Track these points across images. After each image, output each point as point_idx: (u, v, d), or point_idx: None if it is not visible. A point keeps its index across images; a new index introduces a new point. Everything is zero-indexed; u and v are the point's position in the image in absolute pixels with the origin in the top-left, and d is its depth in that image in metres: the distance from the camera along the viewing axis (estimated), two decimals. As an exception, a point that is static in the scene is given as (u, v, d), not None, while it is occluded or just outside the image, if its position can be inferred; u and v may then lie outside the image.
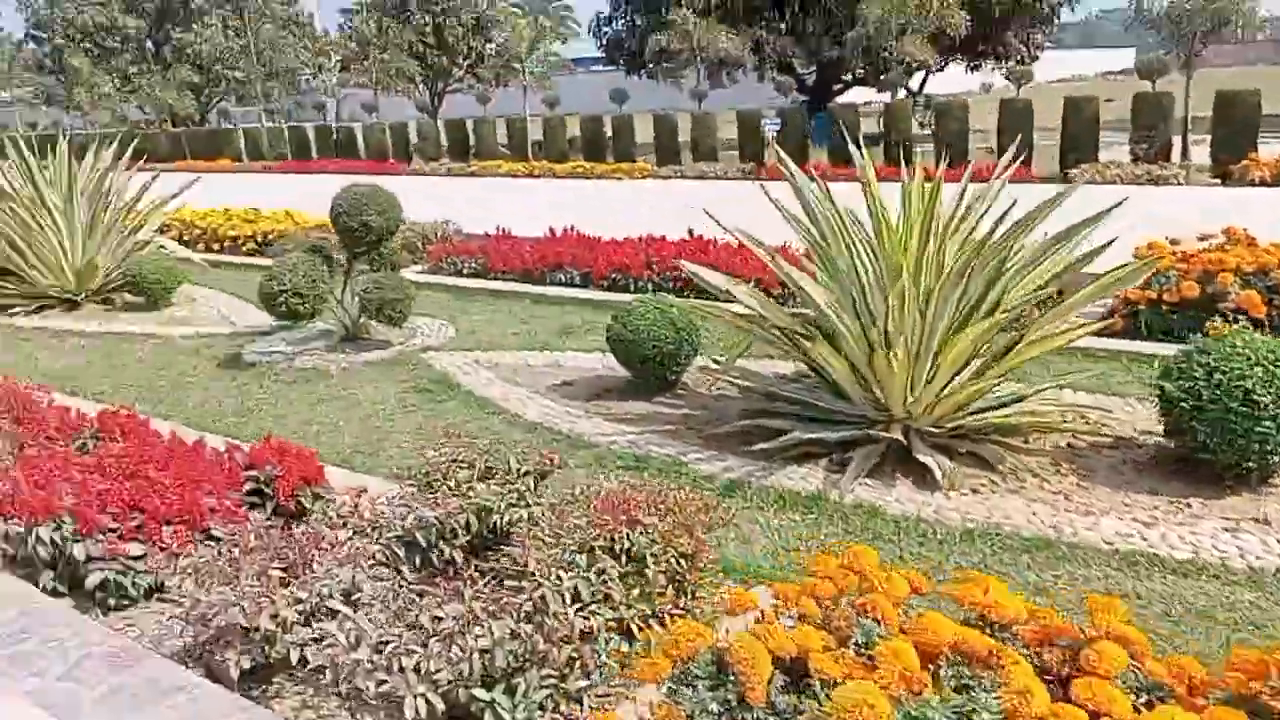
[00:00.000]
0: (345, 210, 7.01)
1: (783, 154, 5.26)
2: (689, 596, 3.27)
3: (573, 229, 10.29)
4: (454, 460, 3.84)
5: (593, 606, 2.84)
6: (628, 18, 26.18)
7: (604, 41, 26.62)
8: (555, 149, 21.96)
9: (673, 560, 3.10)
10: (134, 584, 3.41)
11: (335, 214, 7.13)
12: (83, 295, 9.57)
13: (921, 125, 20.58)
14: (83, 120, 39.79)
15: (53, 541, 3.47)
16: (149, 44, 35.73)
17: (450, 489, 3.61)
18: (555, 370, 6.72)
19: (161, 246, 10.12)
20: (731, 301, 5.28)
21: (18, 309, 9.37)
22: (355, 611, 2.78)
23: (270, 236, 11.91)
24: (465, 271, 10.00)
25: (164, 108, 30.52)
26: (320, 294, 6.92)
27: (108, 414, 5.10)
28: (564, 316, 8.25)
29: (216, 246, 12.39)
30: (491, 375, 6.64)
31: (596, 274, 8.98)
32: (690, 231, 9.48)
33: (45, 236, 9.32)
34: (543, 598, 2.69)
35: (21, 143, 9.83)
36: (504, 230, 11.10)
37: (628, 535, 3.09)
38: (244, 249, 12.15)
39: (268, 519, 3.95)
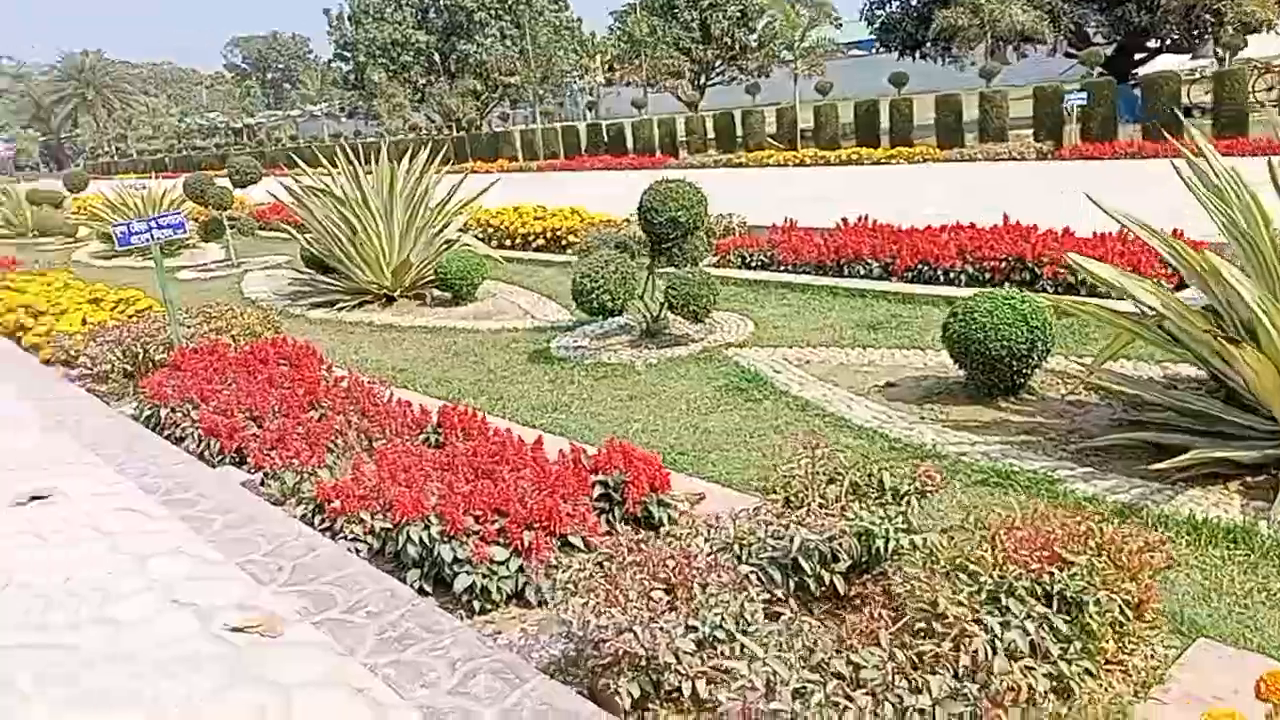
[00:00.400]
0: (654, 205, 6.90)
1: (1190, 126, 4.46)
2: (1126, 652, 2.73)
3: (866, 219, 9.72)
4: (814, 472, 3.50)
5: (1029, 661, 2.39)
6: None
7: (877, 24, 25.60)
8: (826, 136, 21.30)
9: (1118, 609, 2.57)
10: (498, 588, 3.33)
11: (644, 209, 7.04)
12: (397, 291, 10.20)
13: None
14: (376, 128, 43.72)
15: (421, 541, 3.47)
16: (436, 56, 38.56)
17: (820, 506, 3.27)
18: (872, 369, 6.25)
19: (466, 244, 10.60)
20: (1108, 297, 4.58)
21: (342, 304, 10.14)
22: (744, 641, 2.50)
23: (560, 233, 12.24)
24: (753, 264, 9.72)
25: (449, 114, 32.79)
26: (630, 290, 6.84)
27: (448, 410, 5.22)
28: (867, 310, 7.74)
29: (509, 243, 12.91)
30: (804, 374, 6.27)
31: (900, 265, 8.39)
32: (1005, 217, 8.64)
33: (368, 237, 10.01)
34: (979, 650, 2.27)
35: (348, 150, 10.62)
36: (790, 221, 10.73)
37: (1057, 575, 2.60)
38: (534, 245, 12.58)
39: (610, 528, 3.80)
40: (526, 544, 3.38)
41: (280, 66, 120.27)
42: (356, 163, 10.28)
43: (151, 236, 6.70)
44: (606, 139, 25.43)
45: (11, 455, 5.59)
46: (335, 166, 10.69)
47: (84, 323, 8.79)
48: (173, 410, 5.96)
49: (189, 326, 7.65)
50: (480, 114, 35.71)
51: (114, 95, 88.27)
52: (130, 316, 8.78)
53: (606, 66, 30.28)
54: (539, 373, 7.00)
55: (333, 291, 10.44)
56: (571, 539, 3.50)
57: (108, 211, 16.90)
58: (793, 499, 3.45)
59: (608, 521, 3.84)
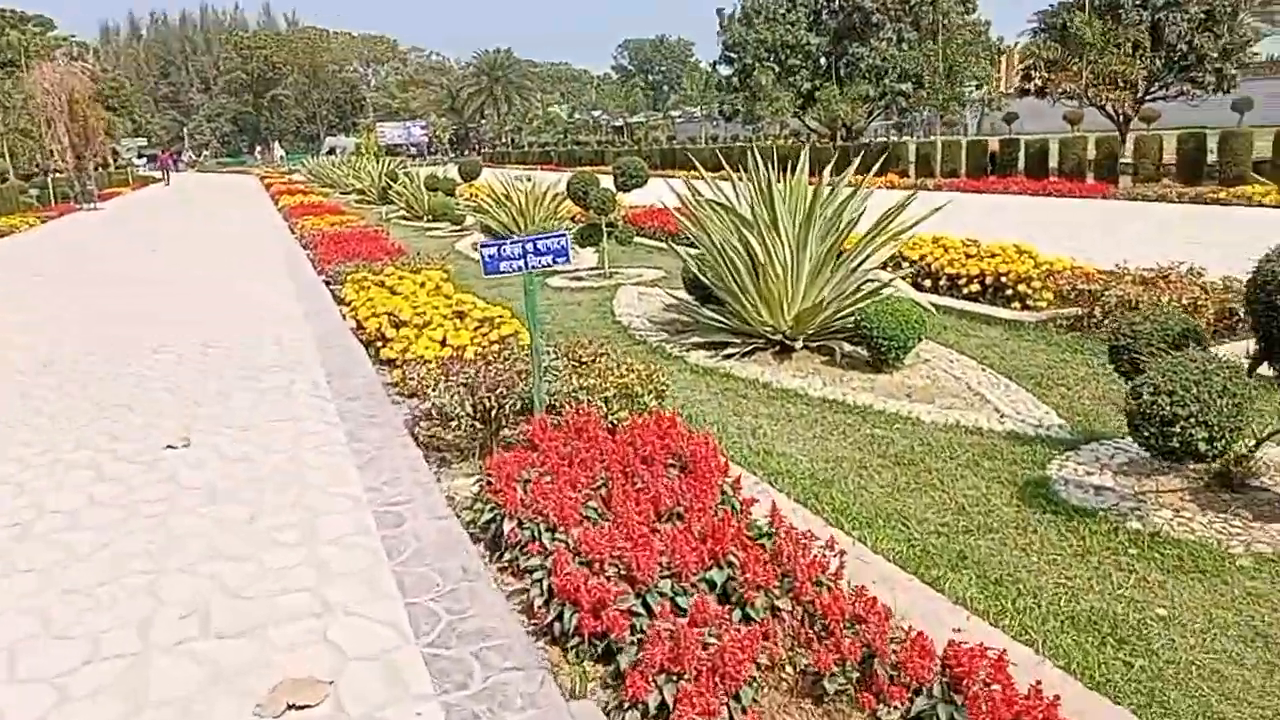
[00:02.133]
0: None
1: None
2: None
3: None
4: None
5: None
6: None
7: None
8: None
9: None
10: None
11: (1265, 284, 4.20)
12: (798, 340, 8.02)
13: None
14: (754, 132, 42.55)
15: None
16: (823, 60, 36.46)
17: None
18: None
19: (894, 288, 8.17)
20: None
21: (732, 350, 8.13)
22: None
23: (1006, 280, 9.43)
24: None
25: (835, 121, 30.50)
26: (1239, 425, 4.04)
27: (959, 651, 2.86)
28: None
29: (927, 284, 10.31)
30: None
31: None
32: None
33: (773, 269, 7.92)
34: None
35: (757, 155, 8.61)
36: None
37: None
38: (964, 290, 9.87)
39: None
40: None
41: (662, 69, 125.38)
42: (769, 171, 8.22)
43: (525, 264, 4.98)
44: (1024, 158, 21.71)
45: (310, 563, 4.04)
46: (737, 171, 8.75)
47: (443, 344, 7.51)
48: (520, 525, 4.14)
49: (555, 374, 5.94)
50: (867, 122, 33.06)
51: (516, 91, 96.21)
52: (492, 343, 7.37)
53: (1020, 74, 26.29)
54: (1049, 533, 4.39)
55: (718, 329, 8.49)
56: None
57: (491, 204, 16.51)
58: None
59: None
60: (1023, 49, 26.77)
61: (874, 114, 33.75)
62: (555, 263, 5.05)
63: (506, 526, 4.18)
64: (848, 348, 7.93)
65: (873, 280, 8.15)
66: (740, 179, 8.68)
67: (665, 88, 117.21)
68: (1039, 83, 26.45)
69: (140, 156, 76.07)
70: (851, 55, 34.68)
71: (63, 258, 19.45)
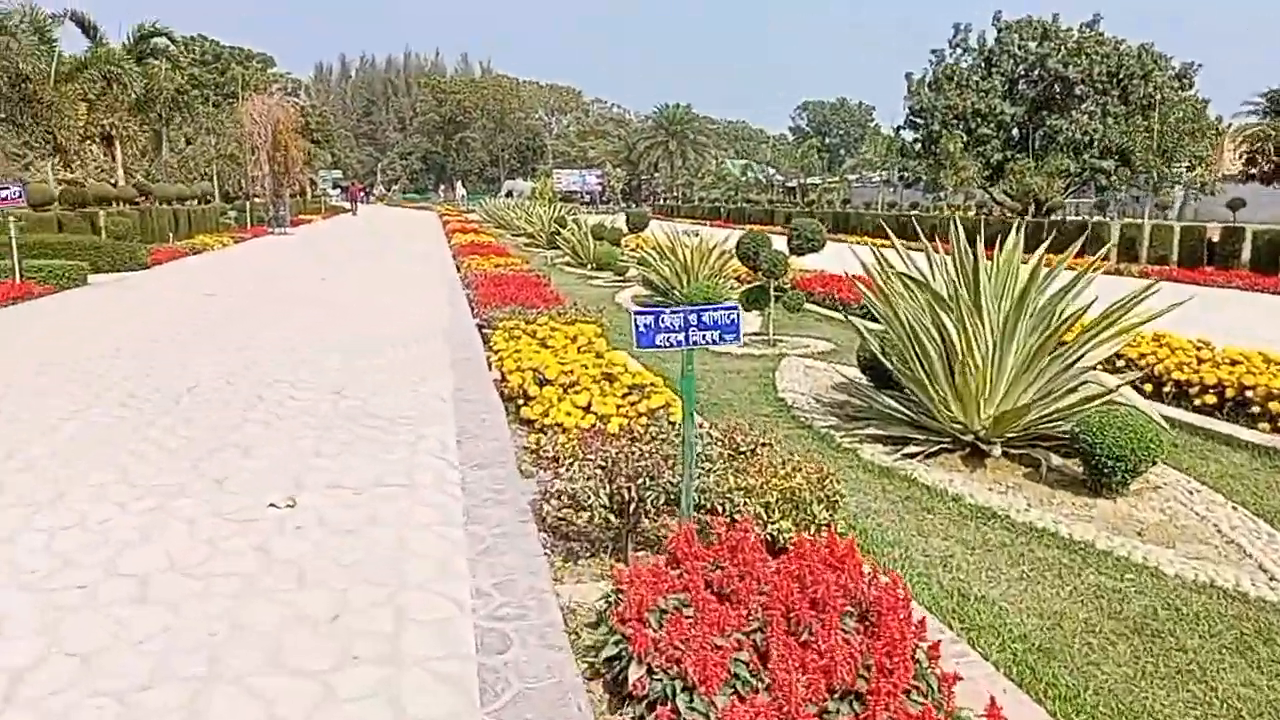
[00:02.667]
0: None
1: None
2: None
3: None
4: None
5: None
6: None
7: None
8: None
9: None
10: None
11: None
12: (997, 444, 6.81)
13: None
14: (936, 201, 40.81)
15: None
16: (1016, 130, 34.53)
17: None
18: None
19: (1114, 391, 6.84)
20: None
21: (915, 448, 6.99)
22: None
23: (1251, 395, 7.88)
24: None
25: (1026, 194, 28.56)
26: None
27: None
28: None
29: (1147, 388, 8.82)
30: None
31: None
32: None
33: (971, 359, 6.78)
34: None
35: (959, 226, 7.52)
36: None
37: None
38: (1198, 401, 8.34)
39: None
40: None
41: (840, 132, 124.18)
42: (972, 248, 7.11)
43: (685, 338, 4.12)
44: (1250, 248, 19.33)
45: None
46: (933, 240, 7.69)
47: (586, 409, 6.74)
48: (649, 673, 3.23)
49: (707, 465, 5.04)
50: (1063, 197, 30.83)
51: (691, 146, 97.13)
52: (640, 415, 6.55)
53: (1243, 157, 23.75)
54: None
55: (898, 421, 7.39)
56: None
57: (654, 257, 15.90)
58: None
59: None
60: (1240, 130, 24.20)
61: (1070, 189, 31.42)
62: (723, 340, 4.17)
63: (633, 674, 3.28)
64: (1056, 460, 6.67)
65: (1093, 383, 6.87)
66: (937, 251, 7.62)
67: (842, 151, 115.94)
68: (1267, 167, 23.78)
69: (335, 187, 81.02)
70: (1049, 127, 32.64)
71: (245, 275, 20.20)
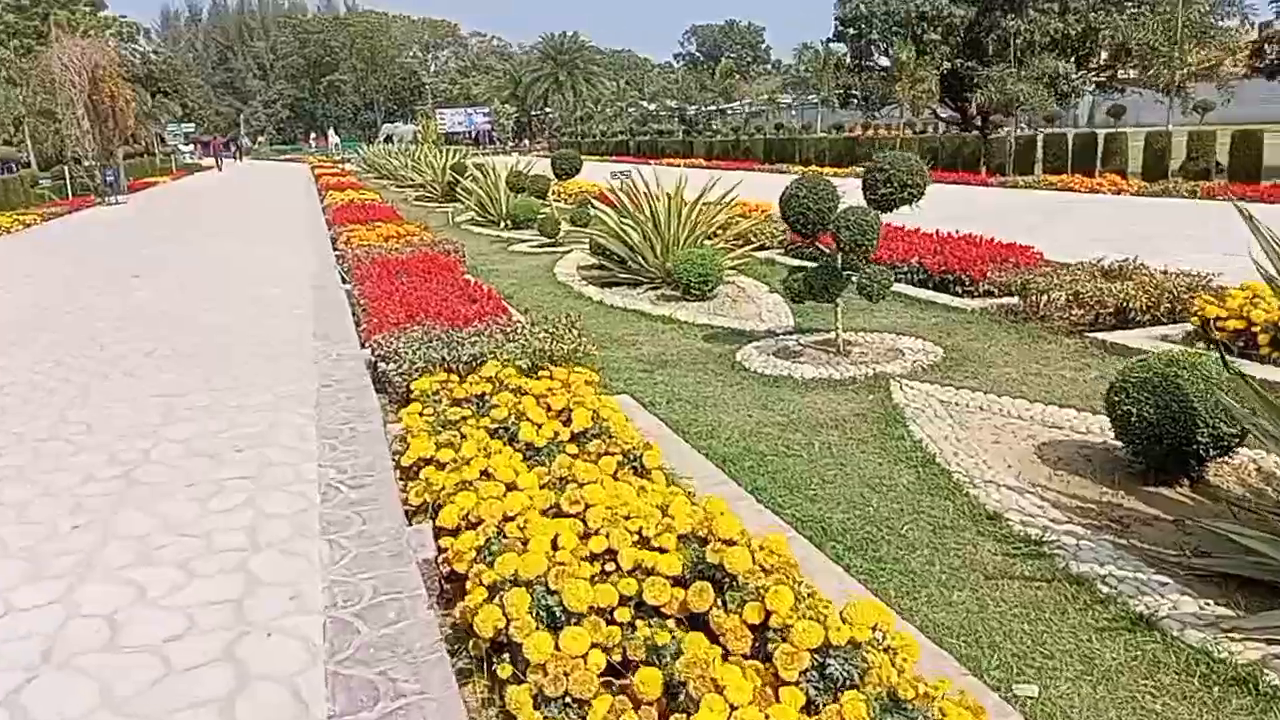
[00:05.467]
0: None
1: None
2: None
3: None
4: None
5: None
6: None
7: None
8: None
9: None
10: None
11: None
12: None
13: None
14: (881, 118, 36.88)
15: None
16: (964, 35, 30.62)
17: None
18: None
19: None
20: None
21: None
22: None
23: None
24: None
25: (1012, 103, 24.76)
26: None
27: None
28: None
29: None
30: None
31: None
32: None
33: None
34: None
35: None
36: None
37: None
38: None
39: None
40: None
41: (733, 55, 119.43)
42: None
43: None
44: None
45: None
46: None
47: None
48: None
49: None
50: (1059, 103, 27.04)
51: (583, 77, 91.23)
52: None
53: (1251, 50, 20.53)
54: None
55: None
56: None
57: (608, 215, 11.13)
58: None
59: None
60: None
61: (1063, 97, 27.32)
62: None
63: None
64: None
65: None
66: None
67: (736, 75, 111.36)
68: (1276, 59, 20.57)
69: (188, 143, 72.35)
70: (1003, 29, 28.82)
71: (10, 277, 14.66)
